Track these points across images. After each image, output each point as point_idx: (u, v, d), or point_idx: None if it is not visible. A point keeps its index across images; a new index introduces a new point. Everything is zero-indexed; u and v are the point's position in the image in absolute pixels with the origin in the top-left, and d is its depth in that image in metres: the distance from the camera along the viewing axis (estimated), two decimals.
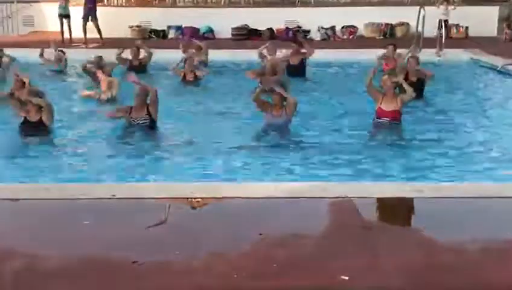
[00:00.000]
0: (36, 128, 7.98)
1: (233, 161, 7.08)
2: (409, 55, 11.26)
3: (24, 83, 9.18)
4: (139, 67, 12.39)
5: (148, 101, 8.32)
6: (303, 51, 12.35)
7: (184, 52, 12.67)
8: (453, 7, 16.00)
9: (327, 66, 13.65)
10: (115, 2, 18.63)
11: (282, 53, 12.59)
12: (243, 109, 9.26)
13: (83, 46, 15.91)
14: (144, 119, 8.26)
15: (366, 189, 5.82)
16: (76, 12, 16.69)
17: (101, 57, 11.47)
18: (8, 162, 7.10)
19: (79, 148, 7.58)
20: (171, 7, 18.54)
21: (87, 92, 10.50)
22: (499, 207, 5.36)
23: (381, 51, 12.54)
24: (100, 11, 16.98)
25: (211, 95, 10.72)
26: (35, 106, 8.02)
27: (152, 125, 8.29)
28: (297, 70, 12.06)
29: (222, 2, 18.80)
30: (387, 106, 8.38)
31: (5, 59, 12.86)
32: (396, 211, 5.47)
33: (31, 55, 13.23)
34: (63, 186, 5.98)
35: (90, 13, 16.60)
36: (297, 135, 8.17)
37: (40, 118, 8.05)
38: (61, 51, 13.14)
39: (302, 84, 11.52)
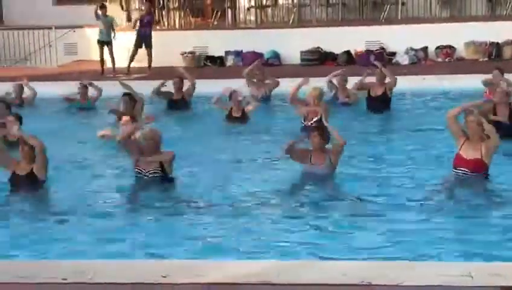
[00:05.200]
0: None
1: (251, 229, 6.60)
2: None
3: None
4: (182, 102, 12.25)
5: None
6: (387, 80, 11.78)
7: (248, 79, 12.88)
8: None
9: (416, 96, 13.11)
10: (165, 24, 18.57)
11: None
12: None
13: (124, 76, 15.73)
14: (154, 171, 7.90)
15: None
16: (119, 37, 16.70)
17: (130, 95, 11.07)
18: None
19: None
20: (230, 29, 18.31)
21: (103, 132, 10.13)
22: None
23: (487, 76, 11.86)
24: None
25: (253, 137, 10.40)
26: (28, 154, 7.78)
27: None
28: (380, 103, 11.61)
29: (290, 22, 18.39)
30: (468, 153, 7.55)
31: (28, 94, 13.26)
32: None
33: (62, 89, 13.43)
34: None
35: (145, 38, 16.43)
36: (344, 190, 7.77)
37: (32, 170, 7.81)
38: (89, 83, 13.02)
39: (381, 120, 11.15)
